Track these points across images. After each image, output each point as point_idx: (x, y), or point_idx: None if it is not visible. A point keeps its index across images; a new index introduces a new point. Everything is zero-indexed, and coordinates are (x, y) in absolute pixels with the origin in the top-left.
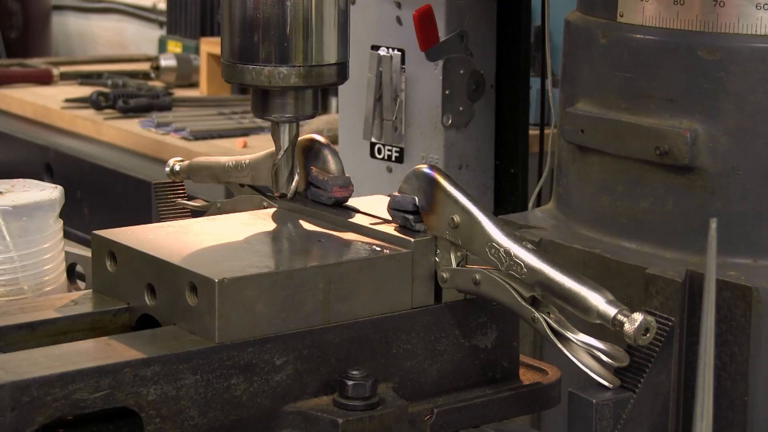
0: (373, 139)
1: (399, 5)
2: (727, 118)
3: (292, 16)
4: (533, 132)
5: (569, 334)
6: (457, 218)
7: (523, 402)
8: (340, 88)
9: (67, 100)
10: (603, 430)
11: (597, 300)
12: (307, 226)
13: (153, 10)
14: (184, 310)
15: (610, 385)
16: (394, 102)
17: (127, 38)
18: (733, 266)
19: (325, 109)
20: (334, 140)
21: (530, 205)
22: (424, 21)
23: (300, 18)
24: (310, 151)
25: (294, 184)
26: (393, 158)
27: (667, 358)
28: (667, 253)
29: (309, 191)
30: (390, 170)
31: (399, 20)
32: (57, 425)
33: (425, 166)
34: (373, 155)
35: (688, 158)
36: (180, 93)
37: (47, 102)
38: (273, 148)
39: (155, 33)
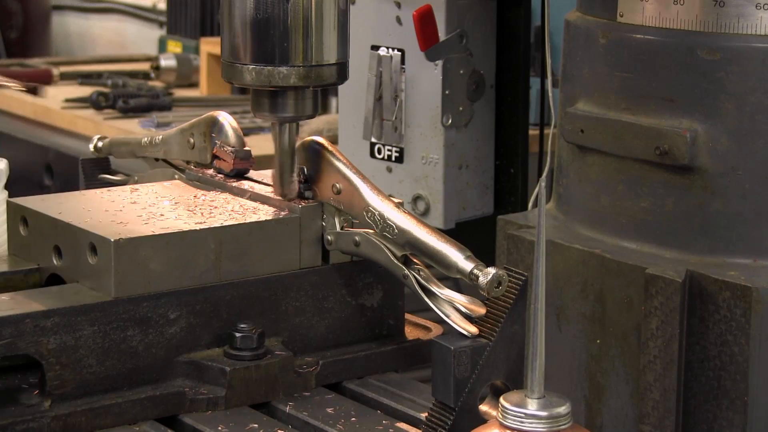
0: (373, 139)
1: (399, 5)
2: (727, 118)
3: (292, 16)
4: (533, 132)
5: (435, 289)
6: (339, 185)
7: (405, 356)
8: (340, 88)
9: (67, 100)
10: (461, 375)
11: (456, 256)
12: (207, 193)
13: (153, 10)
14: (86, 269)
15: (469, 334)
16: (394, 102)
17: (127, 38)
18: (733, 266)
19: (325, 109)
20: (334, 140)
21: (530, 205)
22: (424, 21)
23: (300, 18)
24: (214, 126)
25: (295, 184)
26: (393, 158)
27: (521, 310)
28: (667, 253)
29: (213, 163)
30: (390, 170)
31: (399, 20)
32: None
33: (312, 138)
34: (373, 155)
35: (688, 158)
36: (180, 93)
37: (47, 102)
38: (184, 125)
39: (155, 33)
